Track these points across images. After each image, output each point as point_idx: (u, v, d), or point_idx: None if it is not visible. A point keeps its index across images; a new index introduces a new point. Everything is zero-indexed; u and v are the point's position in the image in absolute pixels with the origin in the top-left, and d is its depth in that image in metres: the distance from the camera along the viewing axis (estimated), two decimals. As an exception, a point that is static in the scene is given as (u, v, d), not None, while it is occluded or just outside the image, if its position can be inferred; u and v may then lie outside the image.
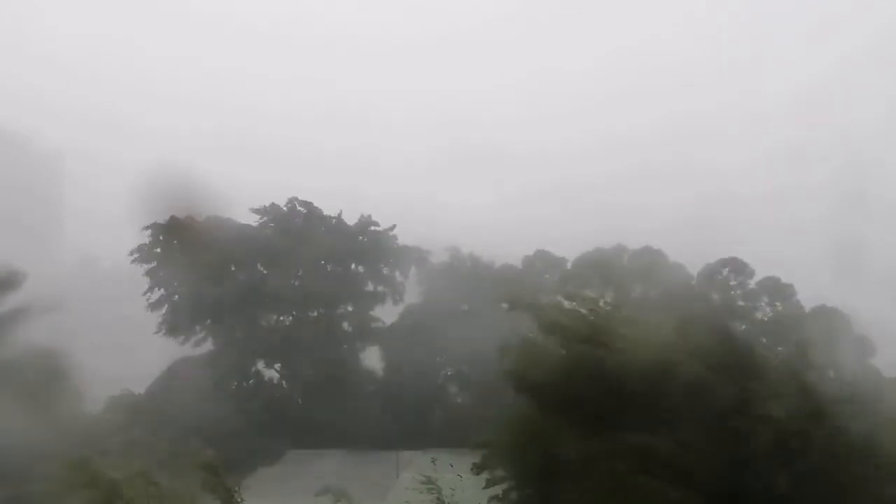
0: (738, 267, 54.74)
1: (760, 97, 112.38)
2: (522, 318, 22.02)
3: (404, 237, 55.17)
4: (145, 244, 49.44)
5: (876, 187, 70.53)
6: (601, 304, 21.79)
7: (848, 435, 18.63)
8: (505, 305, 22.70)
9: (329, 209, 55.09)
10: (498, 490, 20.23)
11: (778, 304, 53.92)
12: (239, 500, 21.06)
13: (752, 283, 54.82)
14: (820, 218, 71.18)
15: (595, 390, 18.47)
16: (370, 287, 54.35)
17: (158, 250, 49.22)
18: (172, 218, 47.11)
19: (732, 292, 54.84)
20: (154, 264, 49.74)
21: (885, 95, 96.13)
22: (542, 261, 55.97)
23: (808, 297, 52.61)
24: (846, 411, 19.71)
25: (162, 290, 50.13)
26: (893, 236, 63.59)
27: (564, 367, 18.63)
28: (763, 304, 54.31)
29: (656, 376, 18.57)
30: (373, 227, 54.56)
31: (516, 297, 22.50)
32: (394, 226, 54.62)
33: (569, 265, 55.07)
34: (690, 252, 57.73)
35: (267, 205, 53.62)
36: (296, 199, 54.26)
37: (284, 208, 54.04)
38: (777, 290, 54.30)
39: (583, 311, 20.48)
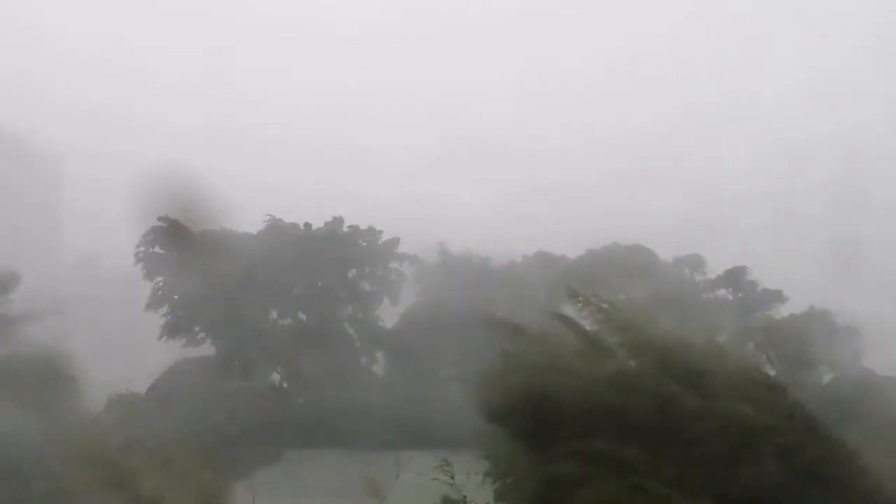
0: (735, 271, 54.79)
1: (760, 96, 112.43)
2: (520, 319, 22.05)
3: (401, 235, 55.38)
4: (144, 245, 49.53)
5: (875, 187, 70.89)
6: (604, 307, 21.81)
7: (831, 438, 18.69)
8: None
9: (327, 208, 55.40)
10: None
11: (773, 305, 53.92)
12: None
13: (747, 284, 54.87)
14: (820, 218, 71.56)
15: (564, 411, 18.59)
16: (367, 288, 54.44)
17: (156, 250, 49.38)
18: (169, 220, 47.27)
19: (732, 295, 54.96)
20: (154, 266, 49.88)
21: (885, 95, 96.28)
22: (543, 260, 56.06)
23: (806, 297, 52.77)
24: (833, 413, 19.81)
25: (161, 293, 50.25)
26: (893, 236, 63.80)
27: (535, 391, 18.78)
28: (757, 305, 54.30)
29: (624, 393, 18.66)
30: (367, 231, 54.59)
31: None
32: (395, 239, 54.56)
33: (568, 264, 55.11)
34: (688, 251, 57.95)
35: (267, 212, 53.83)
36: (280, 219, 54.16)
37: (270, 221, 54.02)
38: (772, 290, 54.33)
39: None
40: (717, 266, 56.17)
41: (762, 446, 18.12)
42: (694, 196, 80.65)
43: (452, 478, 19.25)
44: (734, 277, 54.03)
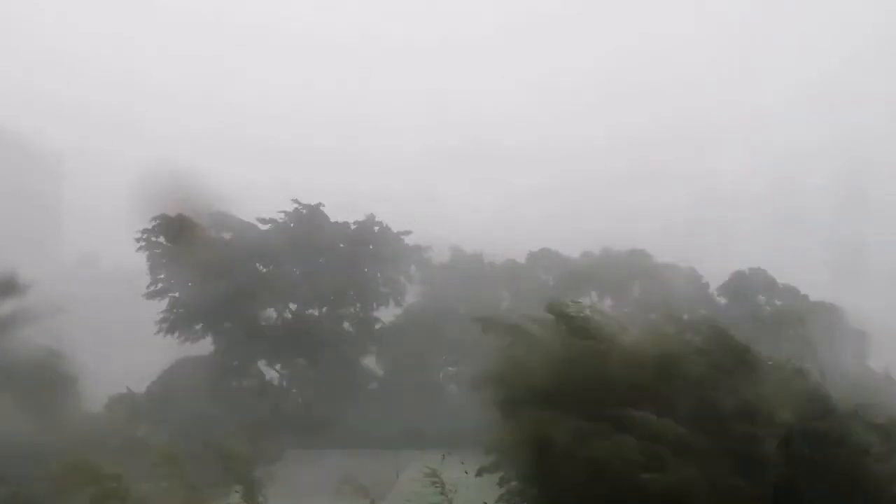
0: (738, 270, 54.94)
1: (761, 97, 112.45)
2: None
3: (406, 236, 55.24)
4: (145, 237, 49.40)
5: (875, 187, 70.88)
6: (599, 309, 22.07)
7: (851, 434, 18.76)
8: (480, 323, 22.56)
9: (330, 208, 55.13)
10: (503, 490, 20.28)
11: (777, 302, 54.04)
12: (262, 493, 21.02)
13: (750, 282, 54.96)
14: (820, 218, 71.54)
15: (595, 383, 18.68)
16: (375, 288, 54.34)
17: (158, 251, 49.23)
18: (169, 216, 47.18)
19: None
20: (155, 260, 49.76)
21: (885, 95, 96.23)
22: (545, 259, 56.14)
23: (808, 297, 52.73)
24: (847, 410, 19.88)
25: (161, 286, 50.12)
26: (893, 236, 63.81)
27: (562, 363, 18.83)
28: (762, 303, 54.43)
29: (658, 370, 18.79)
30: (379, 228, 54.45)
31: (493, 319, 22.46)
32: (409, 232, 54.66)
33: (572, 264, 55.23)
34: (691, 251, 58.03)
35: (274, 212, 53.64)
36: (297, 201, 54.08)
37: (287, 212, 53.80)
38: (775, 288, 54.44)
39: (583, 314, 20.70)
40: (717, 266, 56.22)
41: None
42: (695, 196, 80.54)
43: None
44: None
